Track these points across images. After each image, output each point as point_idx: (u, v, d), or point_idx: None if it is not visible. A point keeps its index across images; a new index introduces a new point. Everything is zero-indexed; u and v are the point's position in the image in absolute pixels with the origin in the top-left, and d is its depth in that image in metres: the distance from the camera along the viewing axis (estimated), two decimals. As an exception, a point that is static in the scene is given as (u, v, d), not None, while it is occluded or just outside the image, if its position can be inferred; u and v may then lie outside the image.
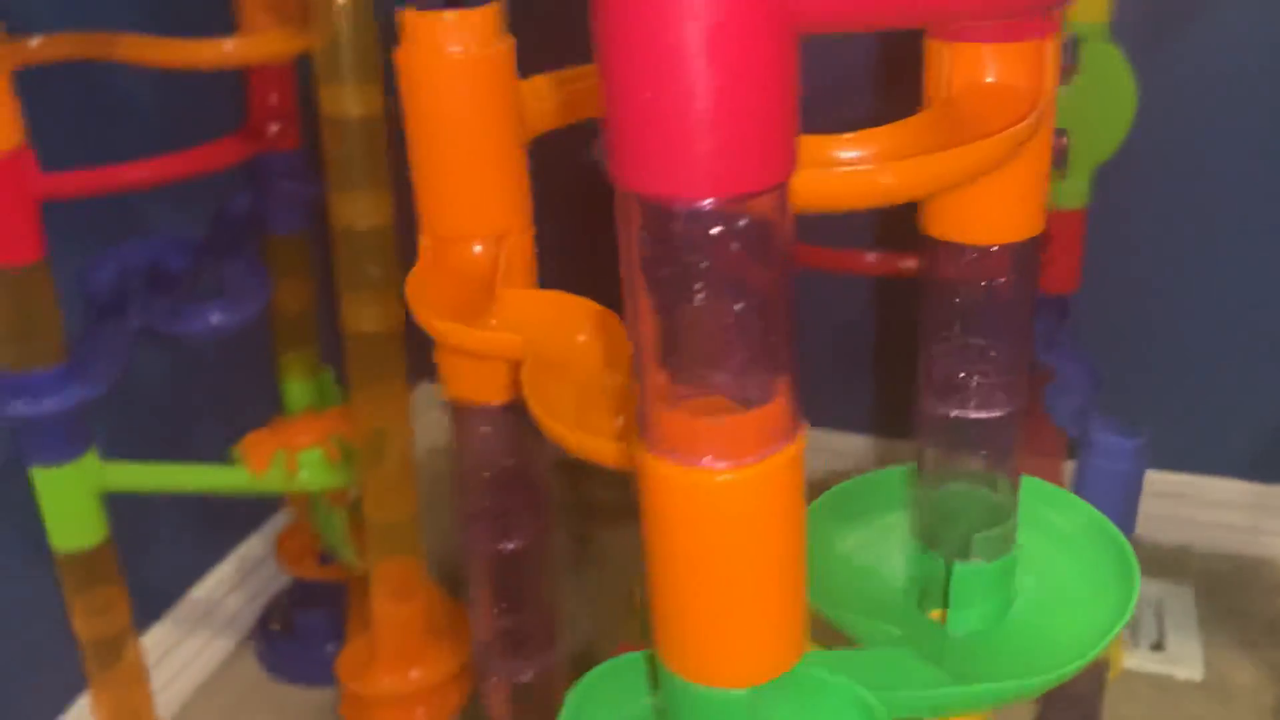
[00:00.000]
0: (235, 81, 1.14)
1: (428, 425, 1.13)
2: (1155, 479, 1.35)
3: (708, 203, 0.27)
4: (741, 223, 0.28)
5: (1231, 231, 1.23)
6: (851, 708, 0.37)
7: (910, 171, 0.35)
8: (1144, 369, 1.32)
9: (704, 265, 0.28)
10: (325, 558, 1.27)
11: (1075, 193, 1.06)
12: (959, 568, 0.49)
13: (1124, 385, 1.32)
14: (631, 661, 0.40)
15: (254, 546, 1.34)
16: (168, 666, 1.22)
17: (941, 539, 0.51)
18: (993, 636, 0.51)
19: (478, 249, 0.47)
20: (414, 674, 1.01)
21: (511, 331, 0.44)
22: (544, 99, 0.48)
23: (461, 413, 0.50)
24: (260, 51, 1.00)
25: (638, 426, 0.33)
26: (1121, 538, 0.52)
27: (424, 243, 0.48)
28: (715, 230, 0.27)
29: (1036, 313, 1.18)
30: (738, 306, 0.29)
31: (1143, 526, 1.37)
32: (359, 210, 0.87)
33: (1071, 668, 0.46)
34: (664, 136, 0.27)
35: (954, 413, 0.47)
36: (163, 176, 0.96)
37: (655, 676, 0.38)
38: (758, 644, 0.35)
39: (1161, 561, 1.34)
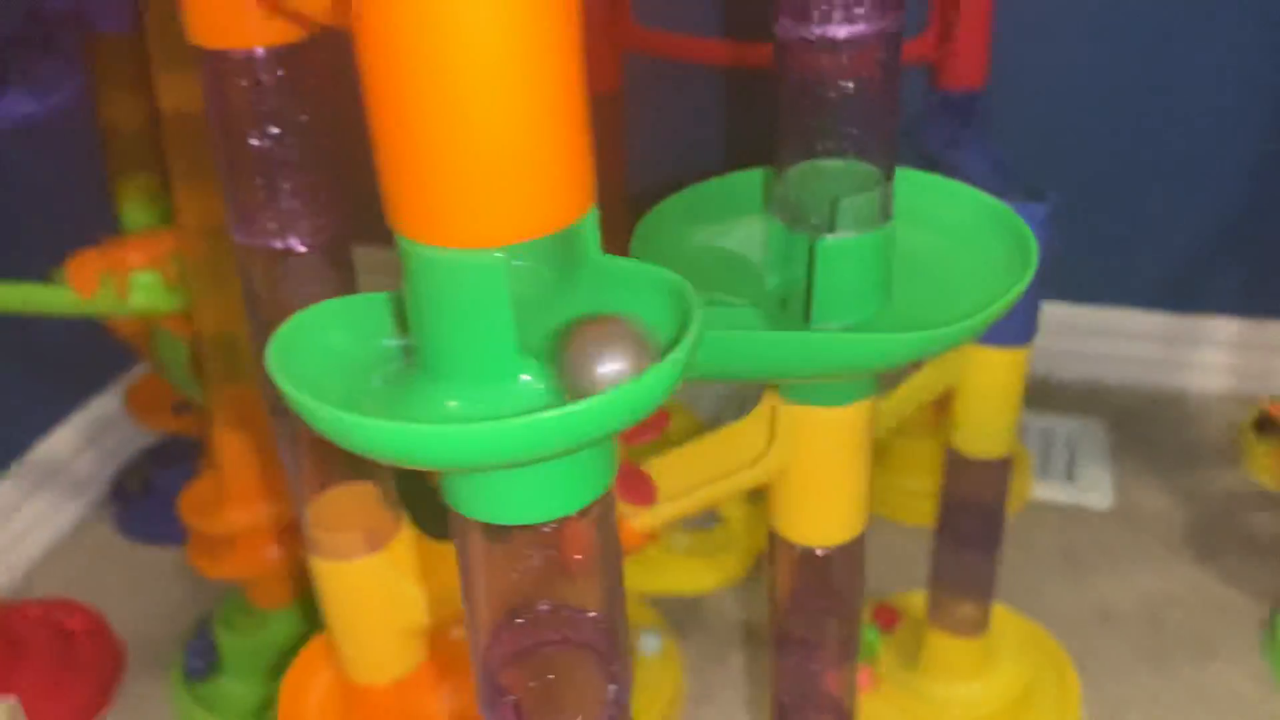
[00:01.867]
0: None
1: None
2: (1063, 314, 1.29)
3: None
4: None
5: (1146, 38, 1.16)
6: (655, 290, 0.28)
7: None
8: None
9: None
10: (180, 407, 1.17)
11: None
12: (824, 242, 0.41)
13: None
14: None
15: (105, 405, 1.24)
16: (10, 529, 1.11)
17: (806, 215, 0.42)
18: (866, 329, 0.43)
19: None
20: (266, 508, 0.91)
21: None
22: None
23: (214, 65, 0.40)
24: None
25: None
26: (1016, 218, 0.44)
27: None
28: None
29: (940, 112, 1.09)
30: None
31: (1052, 363, 1.32)
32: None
33: (960, 327, 0.38)
34: None
35: (814, 32, 0.38)
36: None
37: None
38: (515, 180, 0.26)
39: (1072, 398, 1.29)
